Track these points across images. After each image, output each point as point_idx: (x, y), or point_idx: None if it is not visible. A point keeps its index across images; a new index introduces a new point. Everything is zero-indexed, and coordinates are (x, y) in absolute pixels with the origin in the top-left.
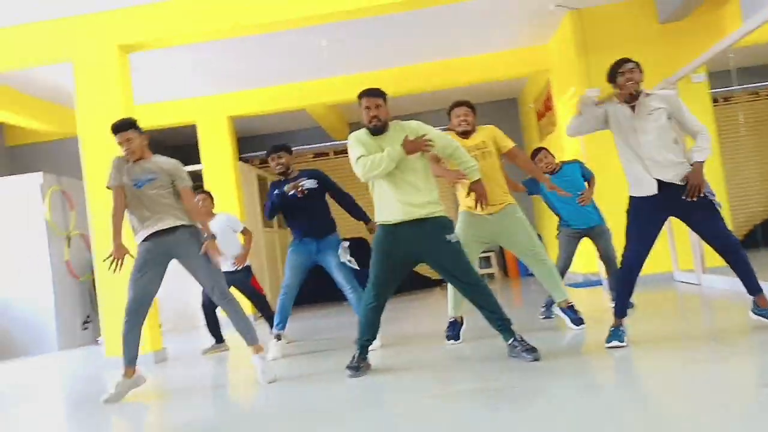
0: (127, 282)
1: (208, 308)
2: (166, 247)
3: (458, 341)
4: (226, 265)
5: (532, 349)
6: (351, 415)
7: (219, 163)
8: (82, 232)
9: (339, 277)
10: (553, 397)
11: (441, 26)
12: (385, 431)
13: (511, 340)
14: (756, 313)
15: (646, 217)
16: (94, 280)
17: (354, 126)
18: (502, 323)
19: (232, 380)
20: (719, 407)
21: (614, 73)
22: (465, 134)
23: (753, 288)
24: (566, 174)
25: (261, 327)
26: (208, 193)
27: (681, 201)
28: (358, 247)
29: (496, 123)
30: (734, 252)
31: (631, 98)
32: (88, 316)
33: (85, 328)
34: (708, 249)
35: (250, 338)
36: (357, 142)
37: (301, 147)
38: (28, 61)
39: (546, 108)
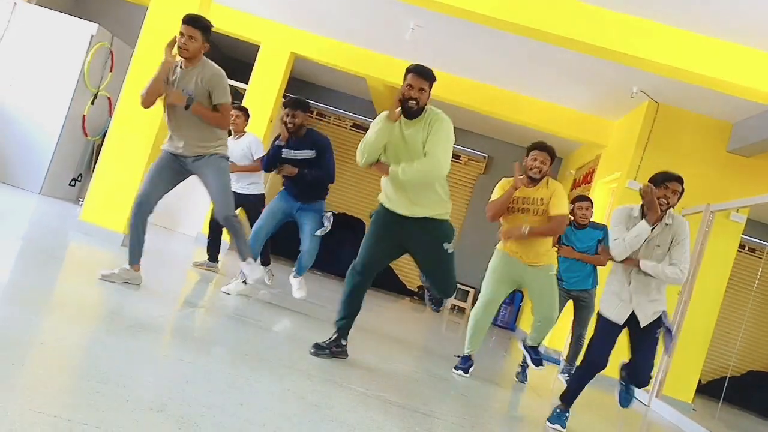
0: (131, 155)
1: (215, 225)
2: (187, 165)
3: (466, 376)
4: (240, 186)
5: (438, 301)
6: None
7: (265, 92)
8: (110, 95)
9: (305, 242)
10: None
11: (529, 60)
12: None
13: (430, 297)
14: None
15: (610, 333)
16: (101, 145)
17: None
18: (440, 297)
19: (187, 291)
20: None
21: (660, 180)
22: (533, 181)
23: (570, 397)
24: (589, 236)
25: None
26: (245, 110)
27: (638, 328)
28: (341, 223)
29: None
30: (636, 385)
31: (653, 216)
32: (80, 175)
33: (72, 185)
34: (670, 376)
35: (242, 253)
36: (377, 122)
37: (345, 112)
38: None
39: (585, 180)
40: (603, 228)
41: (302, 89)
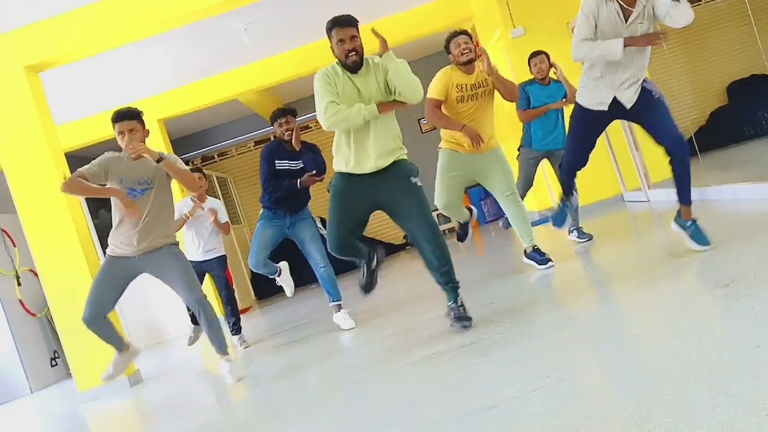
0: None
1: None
2: (137, 266)
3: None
4: (200, 254)
5: (464, 318)
6: (327, 396)
7: None
8: (30, 267)
9: (312, 250)
10: (526, 335)
11: None
12: (362, 407)
13: (452, 302)
14: (678, 223)
15: (590, 126)
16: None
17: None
18: (452, 285)
19: (211, 390)
20: (684, 316)
21: None
22: (468, 63)
23: (685, 197)
24: (553, 90)
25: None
26: (203, 173)
27: (629, 110)
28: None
29: (432, 77)
30: (681, 149)
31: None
32: (55, 352)
33: (55, 364)
34: (651, 164)
35: (219, 347)
36: (327, 84)
37: (241, 137)
38: None
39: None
40: (561, 82)
41: (189, 144)
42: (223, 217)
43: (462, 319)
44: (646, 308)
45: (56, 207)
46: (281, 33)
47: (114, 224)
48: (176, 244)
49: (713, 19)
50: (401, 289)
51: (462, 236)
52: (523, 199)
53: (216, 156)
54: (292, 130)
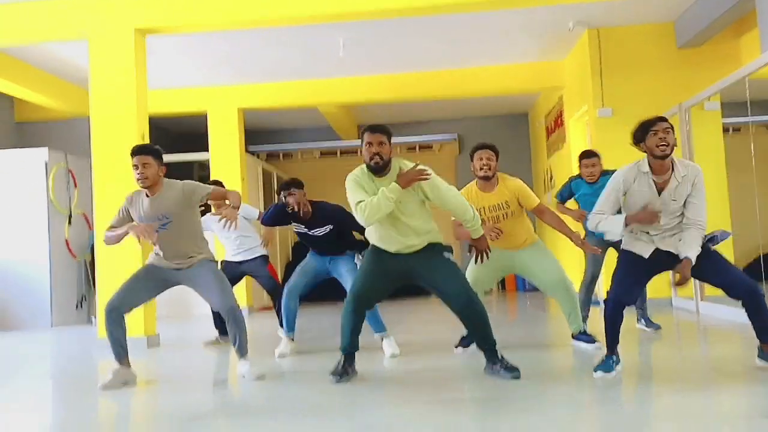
0: (125, 262)
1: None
2: (174, 277)
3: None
4: (236, 256)
5: (512, 368)
6: (331, 415)
7: (226, 153)
8: (84, 211)
9: (350, 282)
10: (535, 412)
11: (459, 34)
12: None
13: (493, 363)
14: (762, 358)
15: (638, 267)
16: (92, 260)
17: (362, 128)
18: (489, 346)
19: (221, 372)
20: None
21: (645, 131)
22: (486, 180)
23: (763, 333)
24: (600, 186)
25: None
26: (221, 183)
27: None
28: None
29: (507, 138)
30: (750, 295)
31: (659, 165)
32: (83, 296)
33: (79, 308)
34: None
35: (240, 350)
36: (356, 185)
37: (308, 145)
38: (43, 36)
39: (556, 125)
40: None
41: (261, 137)
42: (251, 214)
43: (510, 369)
44: (666, 416)
45: (127, 162)
46: (376, 55)
47: None
48: (211, 260)
49: None
50: (429, 332)
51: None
52: (592, 286)
53: (281, 156)
54: (297, 204)
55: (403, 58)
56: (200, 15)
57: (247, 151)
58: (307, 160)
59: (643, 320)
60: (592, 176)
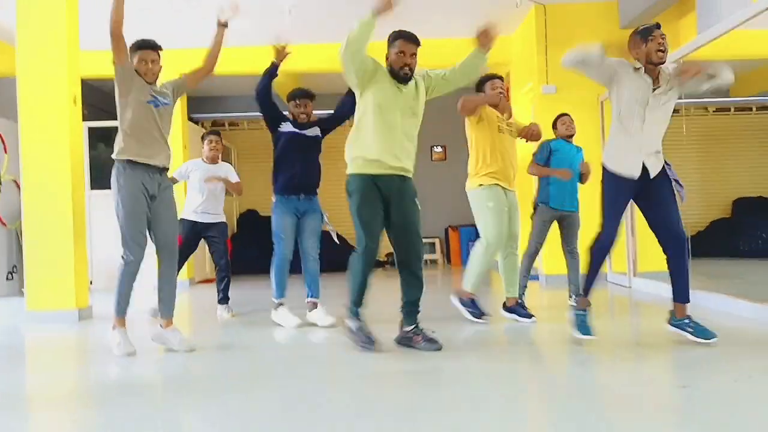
0: (54, 231)
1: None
2: (153, 184)
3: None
4: (197, 214)
5: (433, 340)
6: (264, 383)
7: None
8: (15, 177)
9: (309, 242)
10: (477, 382)
11: (406, 6)
12: (295, 400)
13: (413, 327)
14: (674, 325)
15: (622, 195)
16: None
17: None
18: (414, 310)
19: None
20: (636, 406)
21: (646, 35)
22: (496, 108)
23: (681, 294)
24: (573, 151)
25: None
26: (220, 137)
27: (647, 184)
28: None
29: (454, 111)
30: (679, 246)
31: (653, 70)
32: (14, 266)
33: (10, 278)
34: (641, 253)
35: (167, 310)
36: (374, 62)
37: (256, 113)
38: None
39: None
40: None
41: (203, 105)
42: (234, 177)
43: (433, 341)
44: (600, 386)
45: (58, 124)
46: (323, 23)
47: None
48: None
49: (739, 130)
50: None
51: (477, 314)
52: (534, 257)
53: (227, 125)
54: (308, 115)
55: (351, 25)
56: None
57: (189, 119)
58: (255, 129)
59: (574, 296)
60: (569, 129)
